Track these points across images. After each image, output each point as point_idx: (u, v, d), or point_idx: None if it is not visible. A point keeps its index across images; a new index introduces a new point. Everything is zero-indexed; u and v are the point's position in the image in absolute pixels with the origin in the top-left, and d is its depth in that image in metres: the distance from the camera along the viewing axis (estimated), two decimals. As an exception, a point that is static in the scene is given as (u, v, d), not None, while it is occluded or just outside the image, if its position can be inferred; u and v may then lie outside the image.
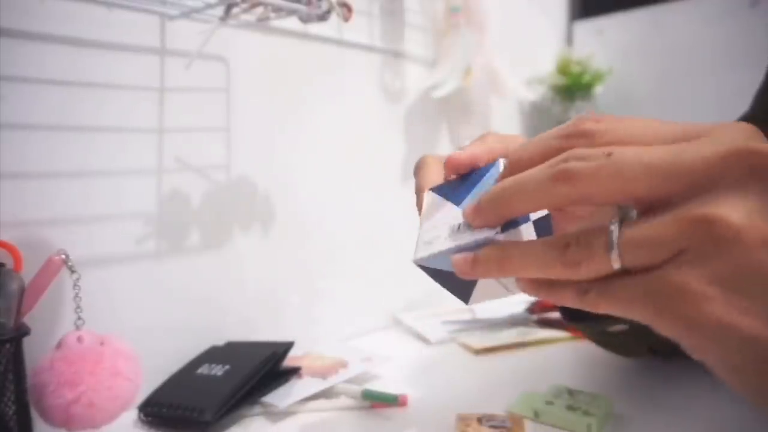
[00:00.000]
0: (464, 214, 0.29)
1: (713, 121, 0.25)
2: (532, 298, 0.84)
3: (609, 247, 0.24)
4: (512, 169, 0.28)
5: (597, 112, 0.27)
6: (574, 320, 0.57)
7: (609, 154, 0.23)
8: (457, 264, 0.29)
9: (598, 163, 0.24)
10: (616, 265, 0.24)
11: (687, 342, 0.24)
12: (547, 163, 0.25)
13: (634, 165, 0.23)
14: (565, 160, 0.24)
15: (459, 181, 0.33)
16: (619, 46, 1.25)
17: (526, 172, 0.26)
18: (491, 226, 0.28)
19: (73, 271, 0.51)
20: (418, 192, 0.37)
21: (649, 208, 0.24)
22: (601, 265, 0.24)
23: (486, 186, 0.30)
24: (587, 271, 0.25)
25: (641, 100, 1.22)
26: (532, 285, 0.28)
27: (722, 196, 0.22)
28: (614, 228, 0.24)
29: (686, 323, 0.23)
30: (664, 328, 0.24)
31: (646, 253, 0.23)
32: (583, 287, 0.26)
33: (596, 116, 0.27)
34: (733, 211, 0.22)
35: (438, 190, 0.35)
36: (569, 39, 1.33)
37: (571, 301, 0.26)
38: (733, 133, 0.24)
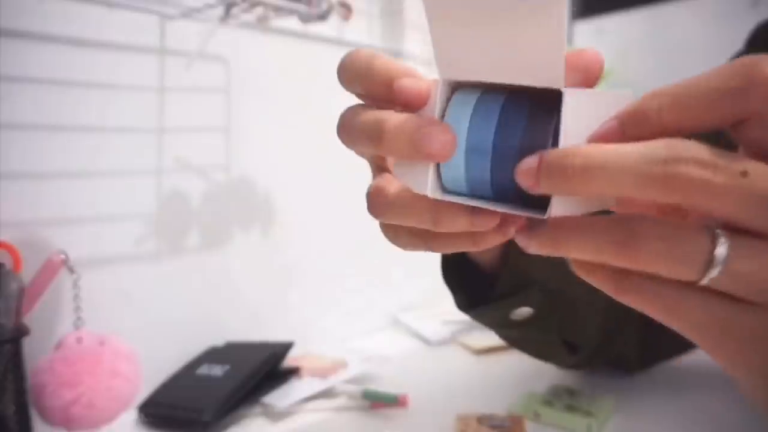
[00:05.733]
0: (517, 174, 0.21)
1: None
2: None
3: (707, 264, 0.20)
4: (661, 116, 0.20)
5: None
6: (469, 308, 0.47)
7: (744, 173, 0.18)
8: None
9: (726, 181, 0.18)
10: (704, 282, 0.20)
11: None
12: (656, 154, 0.19)
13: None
14: (684, 162, 0.18)
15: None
16: (619, 46, 1.24)
17: (627, 150, 0.19)
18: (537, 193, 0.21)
19: (72, 272, 0.51)
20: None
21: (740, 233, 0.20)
22: (682, 274, 0.20)
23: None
24: (653, 268, 0.20)
25: (641, 100, 1.21)
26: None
27: None
28: (723, 247, 0.19)
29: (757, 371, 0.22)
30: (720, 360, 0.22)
31: (744, 290, 0.20)
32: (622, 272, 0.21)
33: None
34: None
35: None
36: (569, 39, 1.32)
37: (600, 280, 0.22)
38: None
